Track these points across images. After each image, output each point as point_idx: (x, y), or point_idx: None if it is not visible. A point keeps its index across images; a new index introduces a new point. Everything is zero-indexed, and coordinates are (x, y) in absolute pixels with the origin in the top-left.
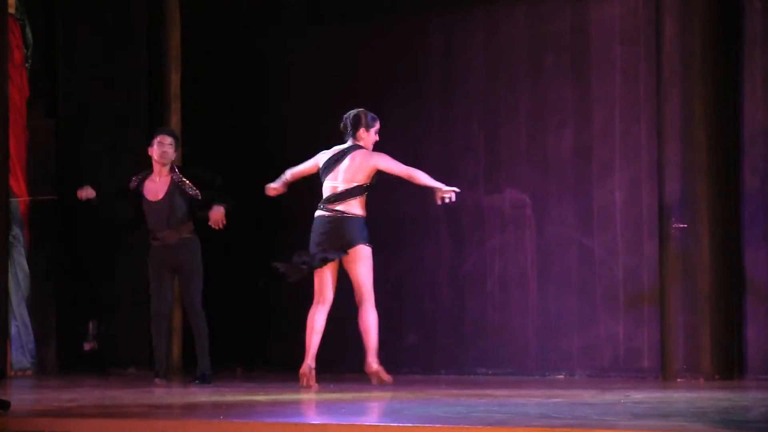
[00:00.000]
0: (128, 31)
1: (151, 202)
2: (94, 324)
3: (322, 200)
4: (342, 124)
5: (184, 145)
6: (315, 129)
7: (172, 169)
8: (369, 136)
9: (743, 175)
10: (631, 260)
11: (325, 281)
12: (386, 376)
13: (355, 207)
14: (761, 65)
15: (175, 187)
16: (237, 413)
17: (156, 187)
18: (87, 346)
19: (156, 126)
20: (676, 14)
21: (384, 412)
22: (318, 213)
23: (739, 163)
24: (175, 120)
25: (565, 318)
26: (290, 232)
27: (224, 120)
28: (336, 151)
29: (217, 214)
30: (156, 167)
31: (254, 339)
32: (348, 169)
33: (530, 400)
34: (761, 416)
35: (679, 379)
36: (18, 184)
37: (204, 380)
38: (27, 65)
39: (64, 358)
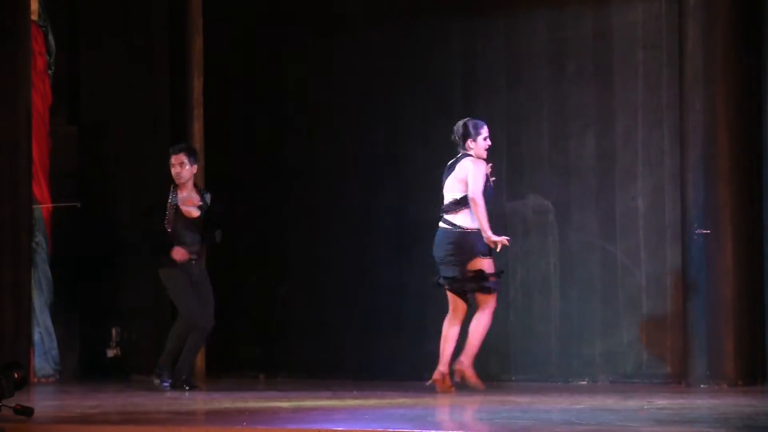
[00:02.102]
0: (151, 37)
1: (187, 219)
2: (117, 331)
3: (441, 211)
4: (452, 136)
5: (207, 151)
6: (338, 133)
7: (196, 187)
8: (477, 144)
9: (766, 180)
10: (653, 266)
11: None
12: (473, 379)
13: (468, 219)
14: None
15: (204, 206)
16: (260, 420)
17: (191, 203)
18: (110, 353)
19: (179, 133)
20: (699, 19)
21: (406, 418)
22: (440, 225)
23: (762, 169)
24: (197, 126)
25: (588, 324)
26: (307, 238)
27: (247, 126)
28: (450, 162)
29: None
30: (180, 185)
31: (277, 345)
32: (452, 180)
33: (553, 406)
34: None
35: (702, 386)
36: (41, 190)
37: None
38: (50, 72)
39: (87, 364)
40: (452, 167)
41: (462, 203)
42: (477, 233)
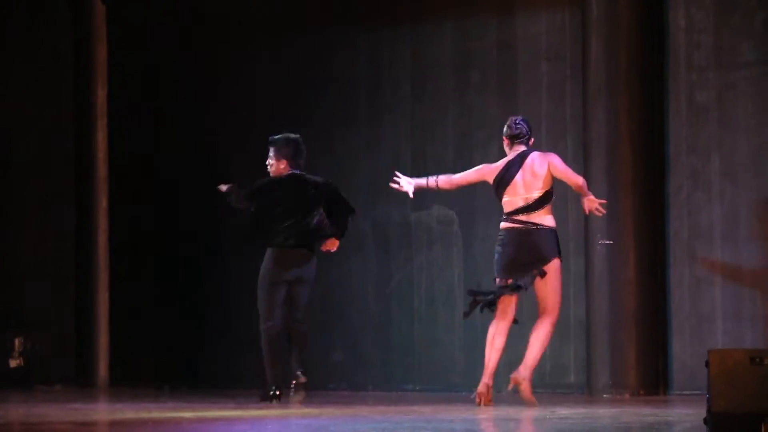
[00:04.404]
0: (55, 46)
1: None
2: (20, 341)
3: (509, 213)
4: (513, 131)
5: (111, 161)
6: (243, 143)
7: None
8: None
9: (668, 191)
10: None
11: (509, 298)
12: (528, 394)
13: (545, 218)
14: (685, 83)
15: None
16: (162, 430)
17: None
18: (12, 363)
19: (83, 143)
20: (602, 32)
21: (310, 428)
22: (506, 225)
23: (665, 180)
24: (101, 136)
25: None
26: (216, 247)
27: (151, 136)
28: (506, 162)
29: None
30: None
31: (182, 356)
32: (529, 178)
33: (456, 416)
34: None
35: (604, 395)
36: None
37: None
38: None
39: None
40: (517, 165)
41: (546, 200)
42: (553, 231)
